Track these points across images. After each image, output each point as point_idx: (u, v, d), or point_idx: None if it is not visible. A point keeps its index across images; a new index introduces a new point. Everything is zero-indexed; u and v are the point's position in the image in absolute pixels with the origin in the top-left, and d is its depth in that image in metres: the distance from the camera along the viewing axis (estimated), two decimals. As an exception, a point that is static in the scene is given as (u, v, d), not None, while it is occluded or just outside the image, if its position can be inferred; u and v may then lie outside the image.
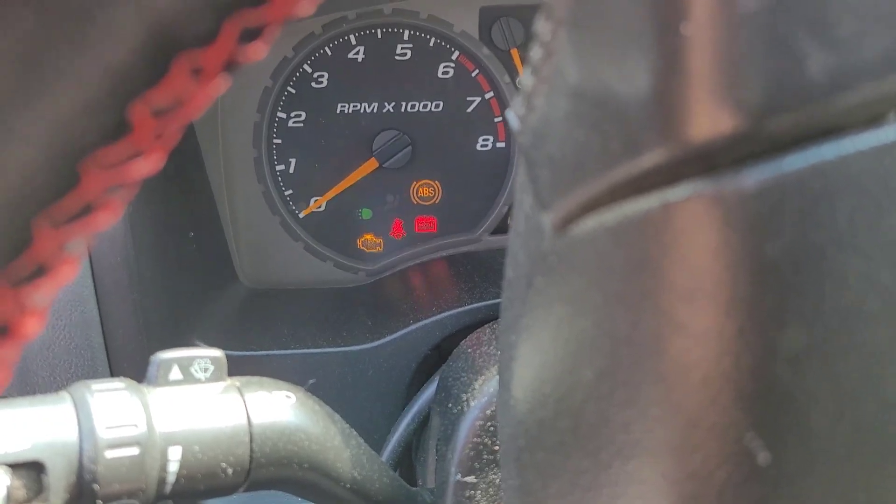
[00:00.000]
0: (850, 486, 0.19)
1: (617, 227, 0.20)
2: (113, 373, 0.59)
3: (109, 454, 0.37)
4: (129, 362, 0.58)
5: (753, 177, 0.18)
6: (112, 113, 0.15)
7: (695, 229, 0.19)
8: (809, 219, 0.18)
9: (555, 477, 0.25)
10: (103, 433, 0.37)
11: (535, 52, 0.23)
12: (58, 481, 0.35)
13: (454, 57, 0.81)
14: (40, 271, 0.16)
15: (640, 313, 0.20)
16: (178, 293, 0.69)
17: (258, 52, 0.16)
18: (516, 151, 0.86)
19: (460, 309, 0.69)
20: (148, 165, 0.16)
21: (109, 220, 0.17)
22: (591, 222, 0.21)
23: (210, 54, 0.15)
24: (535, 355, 0.26)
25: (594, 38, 0.21)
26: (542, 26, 0.23)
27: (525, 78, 0.25)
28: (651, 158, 0.20)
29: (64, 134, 0.15)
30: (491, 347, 0.54)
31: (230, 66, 0.16)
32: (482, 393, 0.47)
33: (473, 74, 0.82)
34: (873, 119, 0.18)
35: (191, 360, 0.42)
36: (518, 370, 0.28)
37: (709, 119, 0.19)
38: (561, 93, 0.22)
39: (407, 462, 0.67)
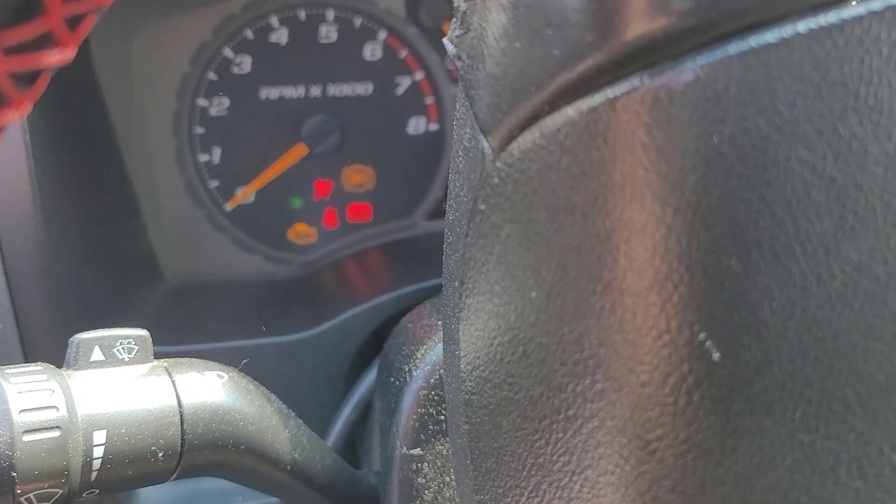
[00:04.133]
0: (804, 384, 0.19)
1: (560, 133, 0.20)
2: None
3: (27, 438, 0.34)
4: (46, 355, 0.54)
5: (694, 66, 0.18)
6: None
7: (639, 124, 0.18)
8: (751, 106, 0.18)
9: (507, 413, 0.25)
10: (19, 417, 0.34)
11: (468, -31, 0.23)
12: (-32, 471, 0.32)
13: (381, 37, 0.80)
14: None
15: (589, 218, 0.20)
16: (97, 288, 0.65)
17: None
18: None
19: (398, 292, 0.68)
20: (58, 54, 0.15)
21: (16, 117, 0.15)
22: (534, 133, 0.21)
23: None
24: (482, 290, 0.25)
25: (528, -58, 0.20)
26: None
27: (458, -1, 0.24)
28: (593, 60, 0.19)
29: None
30: (432, 319, 0.53)
31: None
32: (425, 362, 0.46)
33: (402, 55, 0.81)
34: (812, 4, 0.18)
35: (113, 339, 0.40)
36: (465, 313, 0.27)
37: (646, 14, 0.18)
38: (498, 6, 0.22)
39: (351, 452, 0.65)
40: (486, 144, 0.24)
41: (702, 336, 0.19)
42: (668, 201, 0.18)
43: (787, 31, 0.18)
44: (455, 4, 0.24)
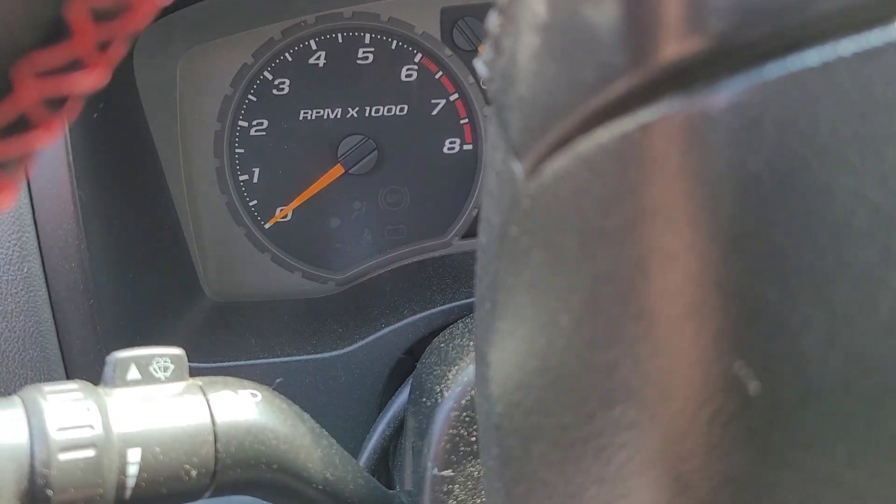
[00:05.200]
0: (848, 418, 0.18)
1: (592, 157, 0.20)
2: (70, 384, 0.57)
3: (63, 457, 0.34)
4: (88, 373, 0.55)
5: (730, 89, 0.17)
6: (47, 10, 0.14)
7: (673, 149, 0.18)
8: (790, 130, 0.17)
9: (537, 439, 0.24)
10: (56, 435, 0.35)
11: (501, -8, 0.23)
12: (8, 487, 0.33)
13: (417, 59, 0.81)
14: None
15: (620, 244, 0.19)
16: (138, 305, 0.66)
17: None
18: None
19: (432, 310, 0.68)
20: (89, 79, 0.15)
21: (47, 140, 0.15)
22: (565, 157, 0.21)
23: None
24: (513, 314, 0.25)
25: (561, -35, 0.20)
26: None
27: (492, 22, 0.24)
28: (625, 82, 0.19)
29: None
30: (464, 340, 0.52)
31: None
32: (456, 383, 0.46)
33: (437, 76, 0.81)
34: (855, 25, 0.17)
35: (149, 358, 0.40)
36: (496, 337, 0.26)
37: (681, 35, 0.18)
38: (530, 29, 0.22)
39: (384, 470, 0.65)
40: (517, 167, 0.23)
41: (738, 366, 0.18)
42: (702, 227, 0.18)
43: (828, 52, 0.17)
44: (487, 28, 0.24)
